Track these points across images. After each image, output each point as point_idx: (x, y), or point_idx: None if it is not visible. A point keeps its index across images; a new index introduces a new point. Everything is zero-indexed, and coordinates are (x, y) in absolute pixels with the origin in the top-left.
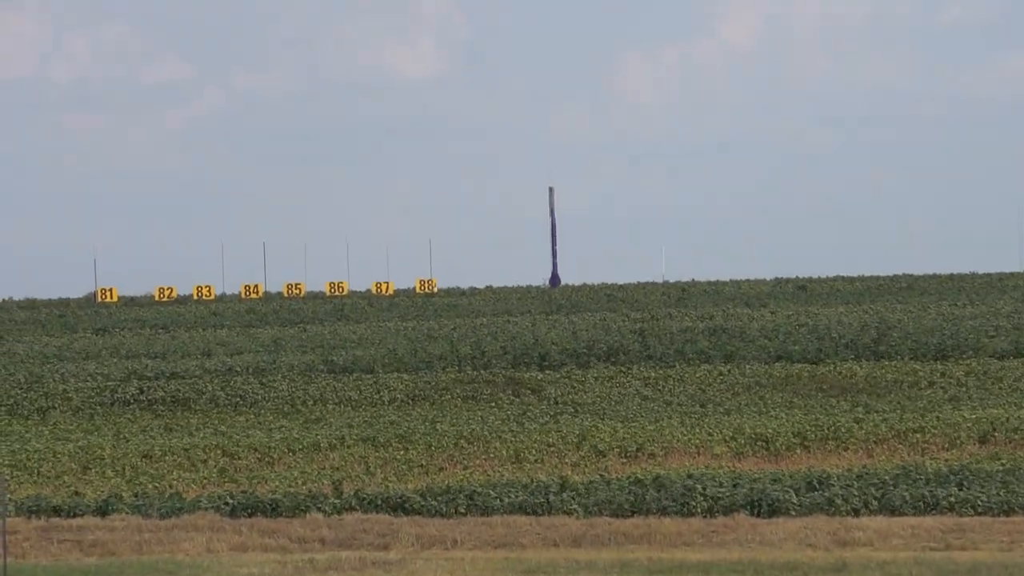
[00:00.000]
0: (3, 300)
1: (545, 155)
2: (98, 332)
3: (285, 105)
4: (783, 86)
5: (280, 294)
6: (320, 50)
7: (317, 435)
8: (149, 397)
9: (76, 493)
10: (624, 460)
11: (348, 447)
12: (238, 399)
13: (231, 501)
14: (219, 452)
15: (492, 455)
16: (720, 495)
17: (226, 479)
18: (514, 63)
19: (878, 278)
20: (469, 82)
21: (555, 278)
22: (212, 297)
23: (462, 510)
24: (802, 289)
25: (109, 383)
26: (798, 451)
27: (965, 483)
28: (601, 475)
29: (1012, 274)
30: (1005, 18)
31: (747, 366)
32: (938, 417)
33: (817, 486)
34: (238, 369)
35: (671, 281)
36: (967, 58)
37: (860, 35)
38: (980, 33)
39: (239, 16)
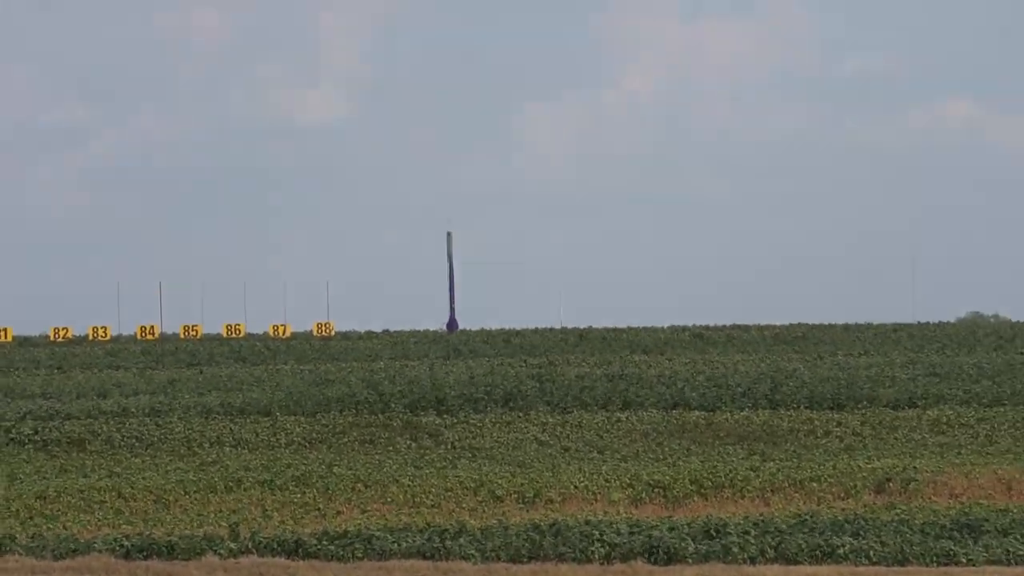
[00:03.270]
0: None
1: (445, 200)
2: None
3: (183, 147)
4: (682, 136)
5: (176, 335)
6: (224, 94)
7: (213, 477)
8: (44, 438)
9: None
10: (522, 505)
11: (245, 489)
12: (134, 440)
13: (126, 543)
14: (114, 494)
15: (389, 499)
16: (618, 542)
17: (121, 521)
18: (416, 108)
19: (774, 327)
20: (371, 126)
21: (453, 322)
22: (108, 338)
23: (359, 554)
24: (699, 337)
25: (3, 423)
26: (695, 498)
27: (861, 532)
28: (499, 520)
29: (905, 325)
30: (903, 71)
31: (644, 413)
32: (834, 466)
33: (714, 534)
34: (134, 410)
35: (569, 327)
36: (863, 110)
37: (759, 86)
38: (877, 85)
39: (144, 59)
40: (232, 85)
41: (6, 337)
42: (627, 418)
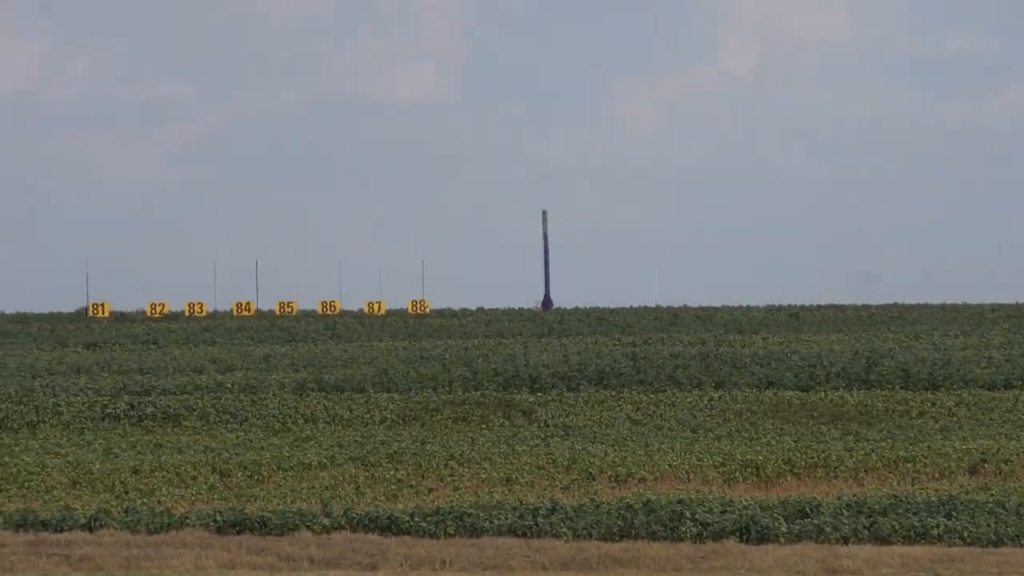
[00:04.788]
0: None
1: (540, 178)
2: (89, 347)
3: (283, 124)
4: (782, 113)
5: (272, 312)
6: (321, 70)
7: (307, 453)
8: (139, 413)
9: (65, 507)
10: (614, 484)
11: (338, 466)
12: (228, 416)
13: (220, 518)
14: (209, 469)
15: (482, 477)
16: (709, 520)
17: (215, 496)
18: (512, 87)
19: (869, 307)
20: (467, 103)
21: (547, 301)
22: (204, 314)
23: (451, 531)
24: (794, 317)
25: (100, 398)
26: (788, 478)
27: (954, 513)
28: (591, 498)
29: (1003, 305)
30: (1002, 52)
31: (738, 392)
32: (928, 447)
33: (807, 513)
34: (229, 386)
35: (663, 306)
36: (960, 89)
37: (860, 65)
38: (974, 65)
39: (239, 37)
40: (329, 60)
41: (104, 312)
42: (720, 397)
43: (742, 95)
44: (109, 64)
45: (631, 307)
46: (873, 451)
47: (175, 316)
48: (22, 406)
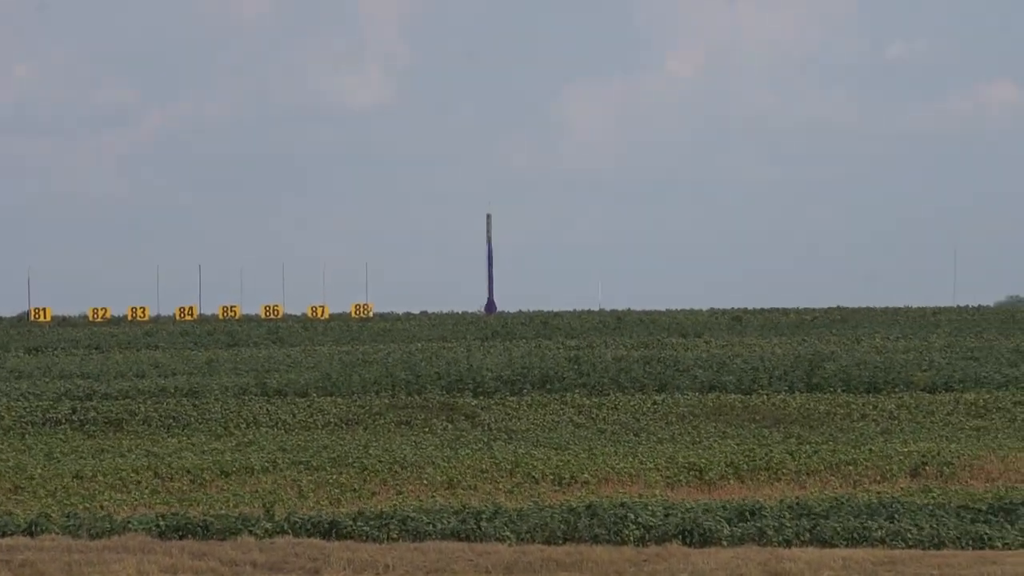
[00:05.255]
0: None
1: (484, 183)
2: (30, 351)
3: (223, 130)
4: (722, 120)
5: (215, 316)
6: (264, 75)
7: (249, 458)
8: (81, 417)
9: (6, 513)
10: (557, 487)
11: (281, 470)
12: (171, 420)
13: (162, 523)
14: (151, 473)
15: (425, 480)
16: (652, 524)
17: (157, 500)
18: (457, 92)
19: (812, 310)
20: (411, 108)
21: (491, 304)
22: (146, 318)
23: (394, 535)
24: (737, 320)
25: (41, 403)
26: (731, 481)
27: (896, 516)
28: (534, 502)
29: (945, 308)
30: (945, 56)
31: (681, 396)
32: (870, 450)
33: (749, 516)
34: (171, 390)
35: (607, 309)
36: (905, 95)
37: (802, 69)
38: (919, 70)
39: (184, 42)
40: (271, 65)
41: (45, 317)
42: (663, 400)
43: (687, 98)
44: (50, 68)
45: (575, 311)
46: (815, 454)
47: (117, 321)
48: None
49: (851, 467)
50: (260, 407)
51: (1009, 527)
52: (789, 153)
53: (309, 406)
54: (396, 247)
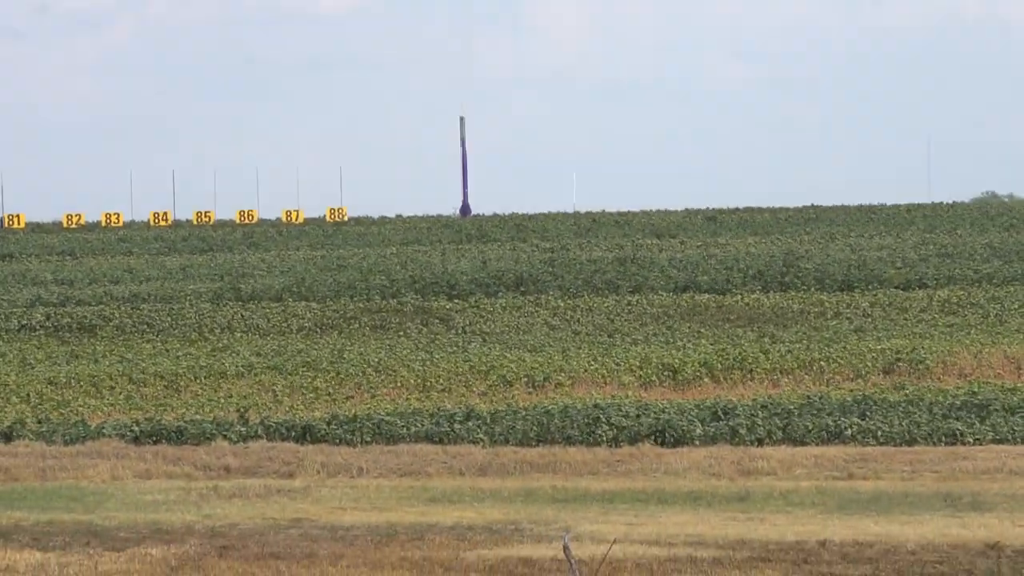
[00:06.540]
0: None
1: (458, 86)
2: (4, 258)
3: (197, 35)
4: (696, 22)
5: (189, 222)
6: None
7: (224, 363)
8: (55, 324)
9: None
10: (531, 390)
11: (255, 375)
12: (145, 326)
13: (136, 428)
14: (125, 379)
15: (399, 384)
16: (625, 425)
17: (132, 406)
18: None
19: (786, 209)
20: (384, 12)
21: (465, 208)
22: (120, 224)
23: (368, 439)
24: (711, 220)
25: (15, 309)
26: (705, 381)
27: (868, 413)
28: (508, 404)
29: (919, 205)
30: None
31: (655, 296)
32: (843, 347)
33: (722, 416)
34: (145, 296)
35: (581, 211)
36: None
37: None
38: None
39: None
40: None
41: (19, 223)
42: (637, 302)
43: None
44: None
45: (549, 213)
46: (788, 353)
47: (92, 227)
48: None
49: (824, 365)
50: (234, 312)
51: (980, 423)
52: (763, 51)
53: (283, 311)
54: (370, 151)
